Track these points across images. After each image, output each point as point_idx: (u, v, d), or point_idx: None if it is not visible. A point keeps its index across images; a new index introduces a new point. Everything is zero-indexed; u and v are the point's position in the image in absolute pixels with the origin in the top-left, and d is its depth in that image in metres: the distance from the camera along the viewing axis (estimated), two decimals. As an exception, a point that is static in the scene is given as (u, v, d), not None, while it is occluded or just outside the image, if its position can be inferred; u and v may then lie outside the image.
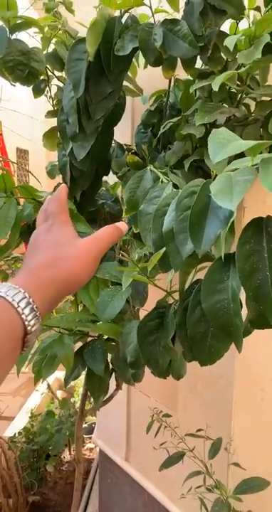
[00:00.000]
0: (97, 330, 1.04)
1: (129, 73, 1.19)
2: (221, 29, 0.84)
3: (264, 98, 0.91)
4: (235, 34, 0.85)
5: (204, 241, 0.43)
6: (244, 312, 0.51)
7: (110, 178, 1.31)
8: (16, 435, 2.48)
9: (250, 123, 0.93)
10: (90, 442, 2.78)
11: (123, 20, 0.85)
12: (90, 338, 1.13)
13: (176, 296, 0.71)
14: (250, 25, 0.68)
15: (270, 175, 0.32)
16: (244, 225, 0.44)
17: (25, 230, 1.12)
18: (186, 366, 0.77)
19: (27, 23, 1.11)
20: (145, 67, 0.91)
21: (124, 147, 1.26)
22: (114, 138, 1.17)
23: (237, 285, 0.44)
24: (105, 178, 1.34)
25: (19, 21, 1.09)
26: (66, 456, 2.65)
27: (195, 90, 0.95)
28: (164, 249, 0.53)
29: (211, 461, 1.09)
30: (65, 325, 1.05)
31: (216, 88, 0.60)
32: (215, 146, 0.38)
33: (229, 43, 0.64)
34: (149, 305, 0.98)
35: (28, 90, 1.25)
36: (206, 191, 0.43)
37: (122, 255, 0.65)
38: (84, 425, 2.83)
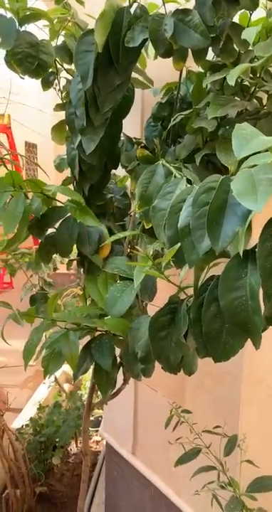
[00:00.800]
0: (105, 326, 1.04)
1: (138, 65, 1.18)
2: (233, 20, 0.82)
3: (277, 91, 0.89)
4: (248, 26, 0.84)
5: (222, 238, 0.42)
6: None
7: (118, 171, 1.30)
8: (24, 427, 2.51)
9: (262, 116, 0.92)
10: (96, 435, 2.80)
11: (132, 10, 0.83)
12: (97, 333, 1.13)
13: (188, 291, 0.70)
14: (268, 16, 0.66)
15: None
16: (257, 223, 0.44)
17: (34, 224, 1.12)
18: (197, 362, 0.77)
19: (36, 15, 1.09)
20: (155, 58, 0.90)
21: (134, 140, 1.24)
22: (123, 131, 1.15)
23: (256, 282, 0.43)
24: (113, 171, 1.33)
25: (28, 13, 1.08)
26: (73, 448, 2.68)
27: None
28: (179, 245, 0.53)
29: (224, 458, 1.09)
30: (73, 320, 1.05)
31: (232, 82, 0.59)
32: (239, 142, 0.37)
33: (248, 36, 0.62)
34: (158, 300, 0.98)
35: (37, 84, 1.24)
36: (224, 187, 0.42)
37: (133, 250, 0.64)
38: (91, 418, 2.85)
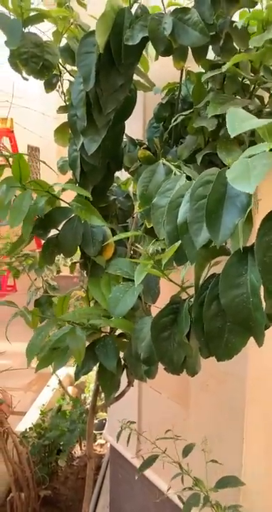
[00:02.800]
0: (110, 324, 1.03)
1: (141, 67, 1.18)
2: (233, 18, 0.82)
3: (279, 89, 0.89)
4: (246, 22, 0.83)
5: (222, 230, 0.41)
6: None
7: (122, 175, 1.30)
8: (28, 430, 2.51)
9: (265, 116, 0.91)
10: (100, 438, 2.79)
11: (133, 11, 0.84)
12: (102, 334, 1.13)
13: (190, 291, 0.69)
14: (263, 9, 0.65)
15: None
16: (259, 218, 0.43)
17: (38, 224, 1.12)
18: (200, 362, 0.76)
19: (40, 16, 1.10)
20: (156, 58, 0.90)
21: (136, 142, 1.24)
22: (126, 133, 1.15)
23: (257, 279, 0.43)
24: (116, 174, 1.33)
25: (32, 14, 1.09)
26: (77, 451, 2.67)
27: (207, 83, 0.94)
28: (180, 242, 0.52)
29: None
30: (78, 319, 1.04)
31: (225, 69, 0.58)
32: (233, 120, 0.37)
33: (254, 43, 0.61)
34: (161, 302, 0.97)
35: (40, 87, 1.25)
36: (222, 180, 0.41)
37: (135, 248, 0.64)
38: (95, 421, 2.84)
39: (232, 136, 0.36)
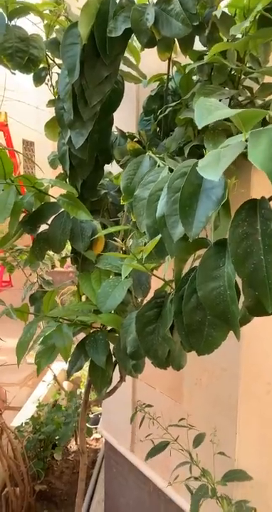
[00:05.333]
0: (98, 320, 1.03)
1: (132, 59, 1.17)
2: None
3: (267, 80, 0.88)
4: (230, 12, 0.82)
5: (196, 224, 0.41)
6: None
7: (114, 169, 1.29)
8: (23, 425, 2.51)
9: (256, 106, 0.90)
10: (96, 432, 2.80)
11: (119, 0, 0.82)
12: (92, 330, 1.12)
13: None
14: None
15: (257, 148, 0.30)
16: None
17: (27, 220, 1.11)
18: (186, 357, 0.76)
19: (25, 9, 1.08)
20: (142, 49, 0.88)
21: (127, 135, 1.23)
22: (119, 126, 1.14)
23: (232, 271, 0.42)
24: (108, 168, 1.32)
25: (17, 7, 1.07)
26: (72, 445, 2.67)
27: (196, 74, 0.92)
28: (160, 235, 0.52)
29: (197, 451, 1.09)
30: (66, 315, 1.04)
31: (207, 58, 0.57)
32: (201, 112, 0.36)
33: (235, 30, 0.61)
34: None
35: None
36: (196, 172, 0.41)
37: (115, 242, 0.63)
38: (91, 415, 2.84)
39: (199, 128, 0.35)
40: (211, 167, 0.33)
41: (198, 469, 1.11)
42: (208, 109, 0.36)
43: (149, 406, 1.32)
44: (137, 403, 1.33)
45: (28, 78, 1.25)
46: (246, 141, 0.37)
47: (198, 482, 1.07)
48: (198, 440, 1.12)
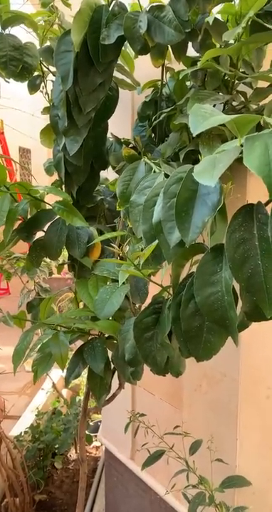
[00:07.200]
0: (96, 327, 1.02)
1: (126, 67, 1.17)
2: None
3: (261, 85, 0.88)
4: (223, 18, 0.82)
5: (192, 229, 0.40)
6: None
7: (110, 175, 1.29)
8: (22, 434, 2.48)
9: (251, 111, 0.90)
10: (96, 440, 2.77)
11: (111, 8, 0.82)
12: (90, 337, 1.11)
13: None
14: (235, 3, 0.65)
15: (253, 153, 0.30)
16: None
17: (23, 227, 1.11)
18: (185, 363, 0.75)
19: (18, 17, 1.09)
20: (136, 56, 0.89)
21: (122, 141, 1.23)
22: (114, 132, 1.14)
23: (229, 276, 0.42)
24: (105, 174, 1.32)
25: (10, 15, 1.07)
26: (72, 454, 2.65)
27: (189, 80, 0.93)
28: (157, 241, 0.51)
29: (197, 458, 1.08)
30: (63, 322, 1.03)
31: (200, 64, 0.57)
32: (196, 119, 0.36)
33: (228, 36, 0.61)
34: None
35: (30, 88, 1.24)
36: (192, 177, 0.40)
37: (112, 248, 0.62)
38: (91, 423, 2.82)
39: (194, 135, 0.35)
40: (207, 173, 0.33)
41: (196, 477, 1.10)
42: (203, 116, 0.36)
43: (143, 415, 1.31)
44: (130, 412, 1.32)
45: (23, 86, 1.25)
46: (241, 146, 0.37)
47: (197, 490, 1.06)
48: (194, 447, 1.11)
